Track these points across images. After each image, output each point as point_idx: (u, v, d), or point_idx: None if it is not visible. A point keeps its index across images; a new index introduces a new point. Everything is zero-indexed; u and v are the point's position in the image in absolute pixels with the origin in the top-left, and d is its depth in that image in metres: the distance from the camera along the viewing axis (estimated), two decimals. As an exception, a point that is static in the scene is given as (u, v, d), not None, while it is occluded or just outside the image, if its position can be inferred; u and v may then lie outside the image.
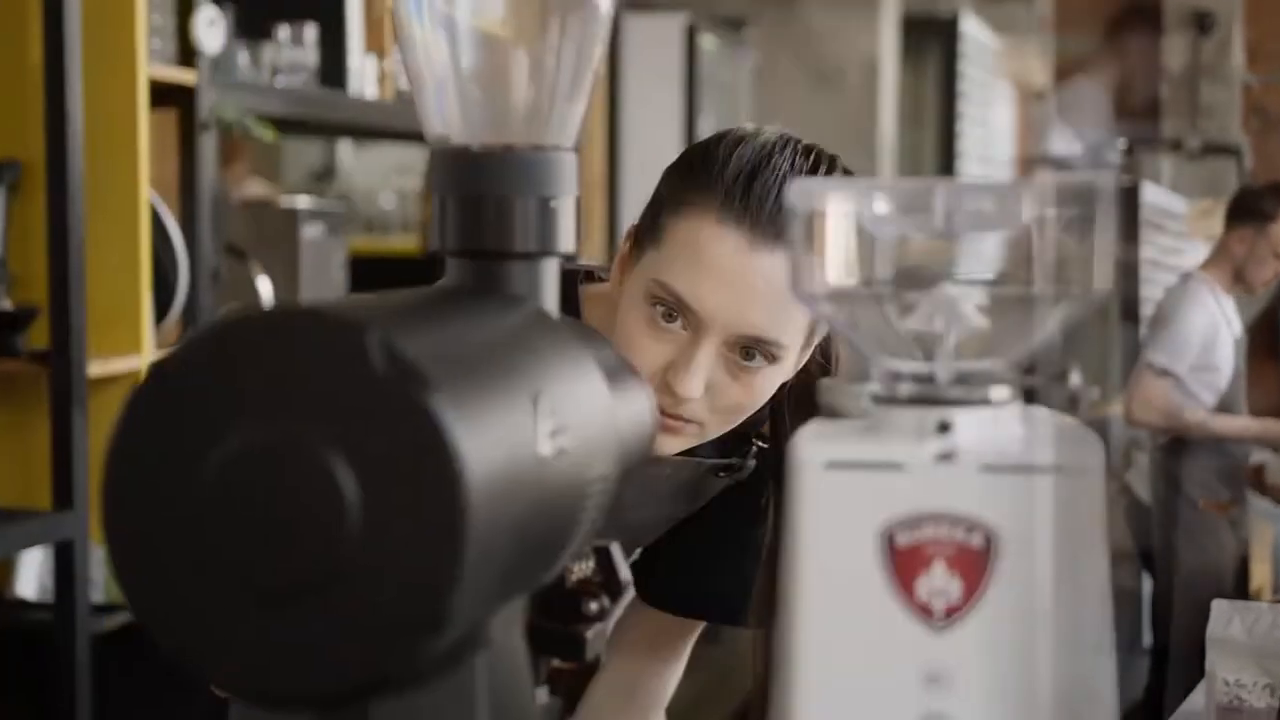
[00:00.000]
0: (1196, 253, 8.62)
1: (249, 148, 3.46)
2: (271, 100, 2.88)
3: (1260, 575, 6.36)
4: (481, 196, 0.80)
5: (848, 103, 5.47)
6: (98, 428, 2.37)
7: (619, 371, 0.84)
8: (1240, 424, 4.39)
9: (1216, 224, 8.76)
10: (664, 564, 1.54)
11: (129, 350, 2.46)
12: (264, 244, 3.00)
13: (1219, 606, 1.96)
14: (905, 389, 0.71)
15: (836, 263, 0.71)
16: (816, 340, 1.34)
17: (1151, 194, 7.43)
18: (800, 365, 1.35)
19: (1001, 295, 0.71)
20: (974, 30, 7.76)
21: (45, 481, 2.38)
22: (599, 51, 0.85)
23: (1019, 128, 9.70)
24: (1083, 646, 0.67)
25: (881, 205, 0.70)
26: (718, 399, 1.29)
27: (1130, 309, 7.32)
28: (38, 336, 2.38)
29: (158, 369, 0.63)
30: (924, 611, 0.68)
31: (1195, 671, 4.62)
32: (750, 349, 1.27)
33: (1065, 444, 0.69)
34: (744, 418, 1.32)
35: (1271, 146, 9.87)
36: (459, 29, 0.81)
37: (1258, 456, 4.77)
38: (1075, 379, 3.61)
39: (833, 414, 0.79)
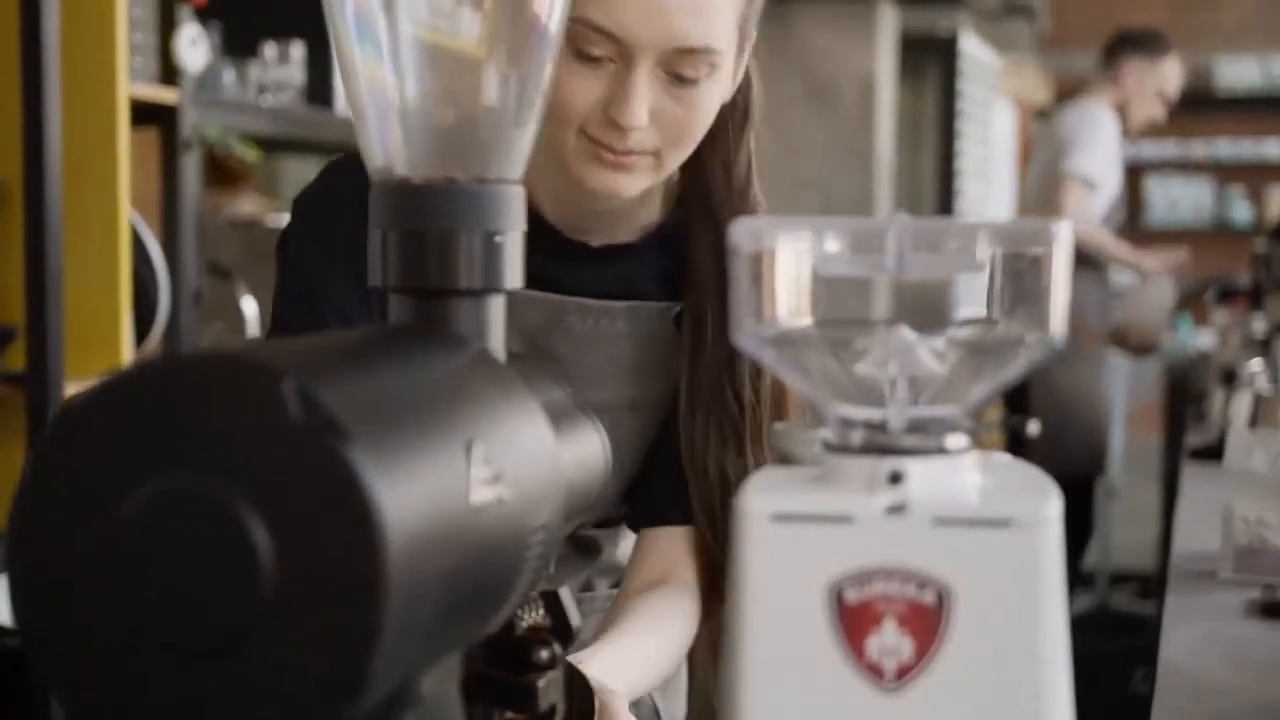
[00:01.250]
0: (1005, 109, 8.60)
1: (251, 167, 3.43)
2: (256, 119, 2.85)
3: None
4: (424, 231, 0.77)
5: (844, 121, 5.44)
6: (73, 451, 2.33)
7: (567, 413, 0.81)
8: (1129, 251, 4.57)
9: (1025, 82, 8.77)
10: (644, 483, 1.43)
11: (109, 372, 2.42)
12: (252, 263, 2.97)
13: (1236, 437, 1.80)
14: (857, 436, 0.68)
15: (785, 304, 0.68)
16: (748, 49, 1.31)
17: (970, 45, 7.42)
18: (737, 77, 1.32)
19: (957, 339, 0.68)
20: (973, 49, 7.74)
21: (22, 505, 2.34)
22: (547, 75, 0.82)
23: (1020, 144, 9.69)
24: (1040, 709, 0.64)
25: (832, 244, 0.67)
26: (664, 124, 1.25)
27: (947, 158, 7.39)
28: (14, 358, 2.35)
29: (67, 412, 0.61)
30: (874, 672, 0.64)
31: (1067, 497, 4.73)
32: (684, 65, 1.23)
33: (1022, 495, 0.66)
34: (696, 142, 1.28)
35: (1066, 7, 9.85)
36: (402, 56, 0.78)
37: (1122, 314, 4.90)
38: (1034, 427, 3.60)
39: (785, 460, 0.75)
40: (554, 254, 1.37)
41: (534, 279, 1.37)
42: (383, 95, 0.79)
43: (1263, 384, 2.99)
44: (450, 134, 0.79)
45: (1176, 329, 6.57)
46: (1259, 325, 4.16)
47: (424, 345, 0.73)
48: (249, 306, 2.87)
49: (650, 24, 1.20)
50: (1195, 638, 1.61)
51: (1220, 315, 5.17)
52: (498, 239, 0.78)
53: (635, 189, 1.28)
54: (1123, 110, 4.49)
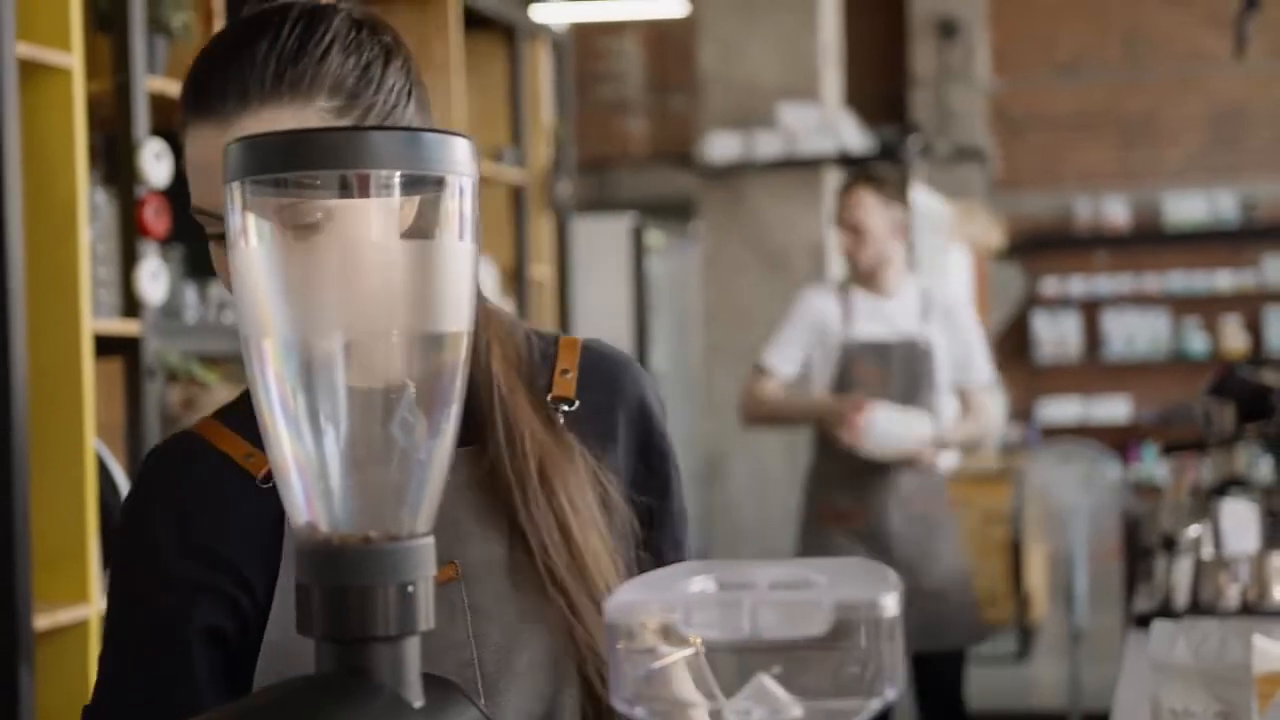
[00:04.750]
0: (959, 254, 8.75)
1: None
2: (218, 338, 2.96)
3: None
4: (344, 587, 0.87)
5: (795, 285, 5.58)
6: (44, 683, 2.40)
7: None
8: (803, 401, 4.20)
9: (977, 226, 8.82)
10: None
11: (76, 600, 2.50)
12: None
13: (1161, 627, 1.84)
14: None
15: (657, 668, 0.78)
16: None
17: (921, 197, 7.59)
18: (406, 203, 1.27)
19: (808, 694, 0.77)
20: (924, 200, 7.93)
21: (-8, 739, 2.40)
22: (452, 436, 0.91)
23: (978, 288, 9.89)
24: None
25: (699, 615, 0.77)
26: None
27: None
28: (-18, 592, 2.43)
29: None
30: None
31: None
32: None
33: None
34: None
35: (1016, 151, 10.09)
36: (323, 436, 0.88)
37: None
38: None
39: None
40: None
41: None
42: (303, 463, 0.89)
43: (1205, 550, 3.06)
44: (366, 497, 0.89)
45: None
46: (1207, 473, 4.26)
47: (342, 702, 0.82)
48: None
49: (216, 195, 1.20)
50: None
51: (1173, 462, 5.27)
52: (410, 589, 0.87)
53: None
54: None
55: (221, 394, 3.57)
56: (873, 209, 4.11)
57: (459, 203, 0.89)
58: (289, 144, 0.87)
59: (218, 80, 1.21)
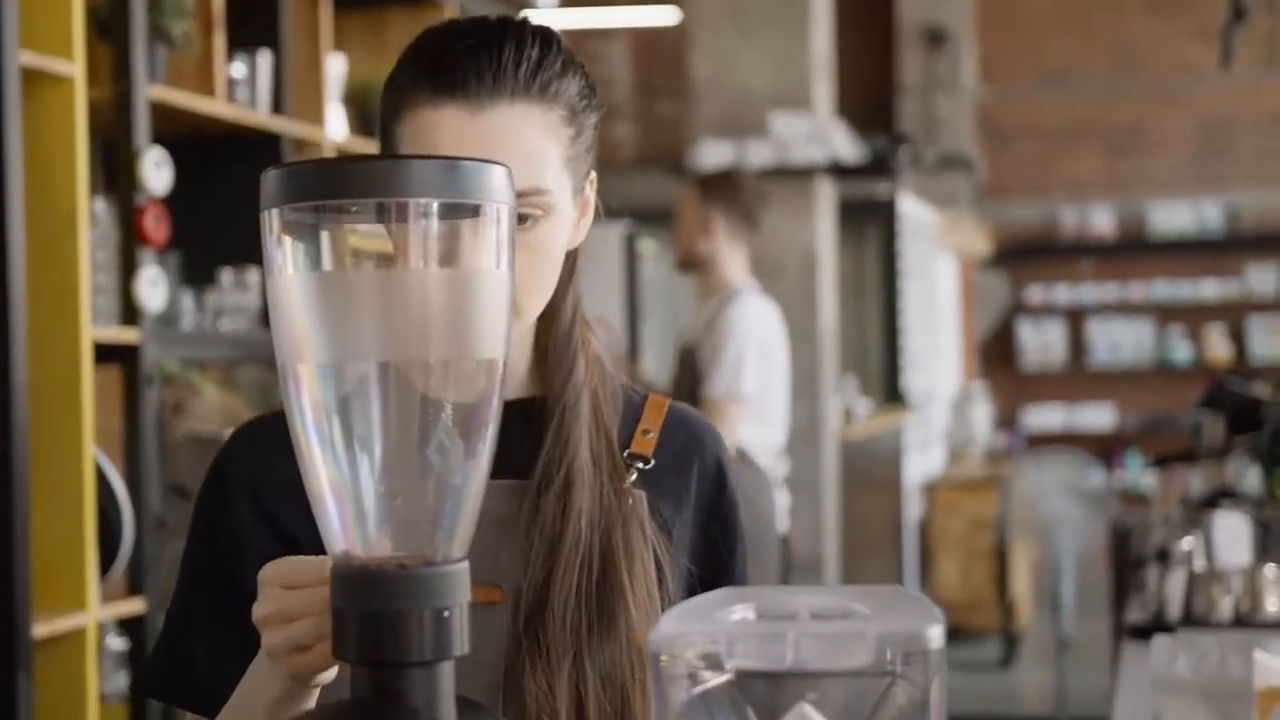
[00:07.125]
0: (948, 261, 8.71)
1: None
2: (214, 346, 2.95)
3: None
4: (379, 612, 0.87)
5: (788, 295, 5.58)
6: (43, 691, 2.40)
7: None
8: None
9: (964, 234, 8.80)
10: None
11: (74, 608, 2.49)
12: (210, 477, 3.03)
13: (1161, 642, 1.84)
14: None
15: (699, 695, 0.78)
16: (590, 191, 1.30)
17: (909, 205, 7.62)
18: (583, 223, 1.31)
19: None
20: (912, 208, 7.95)
21: (-10, 745, 2.39)
22: (486, 464, 0.91)
23: (964, 294, 9.92)
24: None
25: (739, 645, 0.77)
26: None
27: (890, 314, 7.51)
28: (-18, 599, 2.42)
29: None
30: None
31: None
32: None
33: None
34: (549, 287, 1.25)
35: (1003, 160, 10.12)
36: (358, 462, 0.88)
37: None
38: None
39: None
40: None
41: None
42: (339, 488, 0.89)
43: (1198, 562, 3.07)
44: (401, 522, 0.89)
45: None
46: (1195, 483, 4.27)
47: (379, 729, 0.82)
48: (210, 526, 2.93)
49: None
50: None
51: (1160, 472, 5.29)
52: (445, 614, 0.87)
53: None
54: None
55: (212, 398, 3.56)
56: (688, 204, 4.24)
57: (496, 230, 0.89)
58: (328, 172, 0.88)
59: (470, 67, 1.22)
